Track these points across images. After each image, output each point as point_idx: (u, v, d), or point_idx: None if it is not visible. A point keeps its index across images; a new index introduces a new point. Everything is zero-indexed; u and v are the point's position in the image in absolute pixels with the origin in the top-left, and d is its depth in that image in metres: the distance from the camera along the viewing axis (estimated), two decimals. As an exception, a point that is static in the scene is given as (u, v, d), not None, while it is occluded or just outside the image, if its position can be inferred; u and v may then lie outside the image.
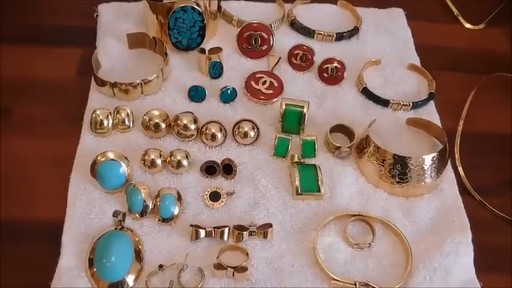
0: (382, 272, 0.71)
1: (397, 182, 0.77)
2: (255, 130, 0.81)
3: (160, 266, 0.69)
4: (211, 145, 0.81)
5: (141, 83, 0.83)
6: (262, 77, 0.88)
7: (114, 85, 0.83)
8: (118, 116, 0.81)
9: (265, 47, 0.90)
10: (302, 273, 0.70)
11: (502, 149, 0.84)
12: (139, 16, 0.92)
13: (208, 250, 0.71)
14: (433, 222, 0.75)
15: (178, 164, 0.77)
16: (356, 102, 0.87)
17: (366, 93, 0.88)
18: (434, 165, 0.77)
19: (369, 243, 0.73)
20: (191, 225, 0.72)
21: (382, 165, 0.77)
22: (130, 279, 0.69)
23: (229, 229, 0.72)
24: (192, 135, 0.81)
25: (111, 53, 0.88)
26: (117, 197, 0.75)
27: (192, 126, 0.80)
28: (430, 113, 0.86)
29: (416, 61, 0.93)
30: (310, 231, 0.73)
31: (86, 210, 0.73)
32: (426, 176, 0.76)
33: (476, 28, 0.99)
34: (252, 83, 0.87)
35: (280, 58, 0.90)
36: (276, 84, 0.88)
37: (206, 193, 0.76)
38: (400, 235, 0.73)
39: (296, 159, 0.79)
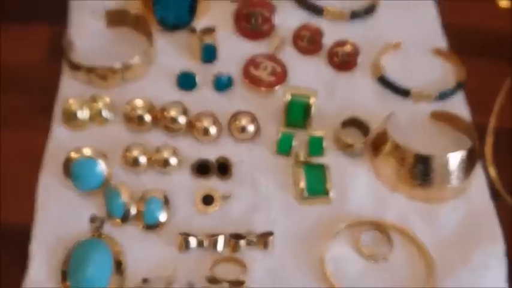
0: (400, 288, 0.74)
1: (419, 185, 0.79)
2: (255, 124, 0.83)
3: (145, 280, 0.71)
4: (204, 141, 0.83)
5: (121, 68, 0.85)
6: (263, 62, 0.90)
7: (90, 70, 0.84)
8: (95, 106, 0.82)
9: (266, 26, 0.92)
10: (308, 288, 0.73)
11: (541, 148, 0.86)
12: (119, -11, 0.93)
13: (200, 262, 0.73)
14: (459, 231, 0.78)
15: (166, 163, 0.79)
16: (372, 92, 0.89)
17: (384, 81, 0.90)
18: (461, 166, 0.79)
19: (385, 255, 0.75)
20: (180, 233, 0.74)
21: (402, 165, 0.79)
22: (109, 295, 0.71)
23: (224, 237, 0.74)
24: (182, 129, 0.83)
25: (87, 32, 0.90)
26: (94, 200, 0.77)
27: (182, 119, 0.82)
28: (458, 105, 0.88)
29: (443, 44, 0.95)
30: (318, 241, 0.75)
31: (58, 214, 0.75)
32: (452, 177, 0.79)
33: (513, 6, 1.00)
34: (251, 69, 0.89)
35: (284, 40, 0.92)
36: (278, 70, 0.90)
37: (198, 196, 0.78)
38: (421, 246, 0.76)
39: (301, 158, 0.81)
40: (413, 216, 0.79)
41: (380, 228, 0.77)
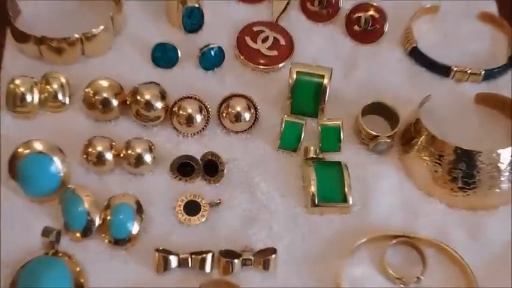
0: (435, 318, 0.75)
1: (460, 189, 0.79)
2: (252, 111, 0.83)
3: (113, 309, 0.72)
4: (187, 132, 0.83)
5: (81, 39, 0.85)
6: (263, 31, 0.90)
7: (41, 41, 0.84)
8: (48, 87, 0.83)
9: (267, -15, 0.93)
10: (319, 320, 0.74)
11: None
12: None
13: (183, 285, 0.74)
14: (510, 247, 0.78)
15: (138, 160, 0.79)
16: (401, 70, 0.90)
17: (417, 55, 0.90)
18: (515, 164, 0.80)
19: (418, 277, 0.76)
20: (157, 250, 0.74)
21: (439, 164, 0.79)
22: (68, 327, 0.72)
23: (213, 256, 0.74)
24: (158, 117, 0.83)
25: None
26: (48, 208, 0.77)
27: (158, 105, 0.82)
28: (510, 87, 0.89)
29: (492, 8, 0.95)
30: (332, 260, 0.76)
31: (3, 226, 0.76)
32: (503, 179, 0.79)
33: None
34: (248, 40, 0.89)
35: (289, 2, 0.92)
36: (282, 42, 0.90)
37: (179, 203, 0.79)
38: (463, 265, 0.76)
39: (312, 154, 0.82)
40: (453, 228, 0.79)
41: (411, 243, 0.77)
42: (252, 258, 0.74)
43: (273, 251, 0.75)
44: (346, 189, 0.79)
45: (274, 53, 0.89)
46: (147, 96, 0.82)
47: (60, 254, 0.74)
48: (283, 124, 0.82)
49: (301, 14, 0.93)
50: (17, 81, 0.82)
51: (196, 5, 0.88)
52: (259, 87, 0.87)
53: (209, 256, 0.74)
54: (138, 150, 0.79)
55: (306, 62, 0.86)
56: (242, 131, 0.84)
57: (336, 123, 0.83)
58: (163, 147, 0.82)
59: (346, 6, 0.92)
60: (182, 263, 0.74)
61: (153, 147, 0.81)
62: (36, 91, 0.82)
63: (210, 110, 0.83)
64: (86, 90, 0.82)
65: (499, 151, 0.78)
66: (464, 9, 0.95)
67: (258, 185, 0.81)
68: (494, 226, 0.80)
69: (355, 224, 0.79)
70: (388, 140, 0.82)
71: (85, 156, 0.80)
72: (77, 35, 0.84)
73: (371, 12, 0.91)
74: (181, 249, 0.75)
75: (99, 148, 0.79)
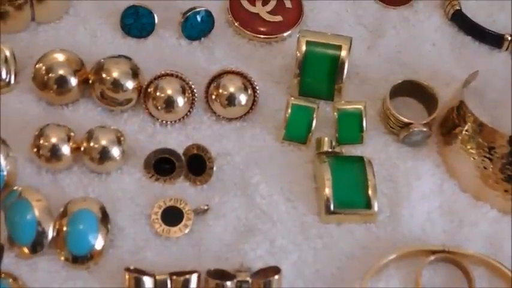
0: None
1: None
2: (249, 92, 0.83)
3: None
4: (166, 119, 0.83)
5: (30, 0, 0.85)
6: None
7: None
8: None
9: None
10: None
11: None
12: None
13: None
14: None
15: (103, 155, 0.79)
16: (441, 39, 0.90)
17: (461, 21, 0.90)
18: None
19: None
20: (128, 270, 0.73)
21: (489, 159, 0.79)
22: None
23: (198, 277, 0.74)
24: (130, 100, 0.83)
25: None
26: None
27: (129, 84, 0.82)
28: None
29: None
30: (352, 282, 0.75)
31: None
32: None
33: None
34: (243, 1, 0.89)
35: None
36: (288, 4, 0.90)
37: (156, 210, 0.78)
38: None
39: (326, 147, 0.81)
40: (507, 241, 0.79)
41: (454, 260, 0.77)
42: (250, 280, 0.74)
43: (276, 270, 0.74)
44: (370, 192, 0.78)
45: (278, 18, 0.89)
46: (115, 74, 0.82)
47: (3, 275, 0.74)
48: (290, 109, 0.82)
49: (312, -32, 0.93)
50: (-51, 55, 0.83)
51: (178, -45, 0.89)
52: (258, 61, 0.87)
53: (194, 277, 0.73)
54: (103, 143, 0.79)
55: (318, 30, 0.85)
56: (236, 118, 0.84)
57: (357, 107, 0.82)
58: (135, 139, 0.82)
59: (369, -43, 0.92)
60: (159, 285, 0.73)
61: (122, 138, 0.80)
62: (-29, 67, 0.83)
63: (195, 91, 0.83)
64: (37, 66, 0.82)
65: None
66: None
67: (257, 186, 0.80)
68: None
69: (382, 236, 0.78)
70: (425, 129, 0.82)
71: (35, 149, 0.79)
72: (24, -4, 0.85)
73: (401, -35, 0.92)
74: (158, 269, 0.74)
75: (53, 140, 0.79)
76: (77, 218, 0.75)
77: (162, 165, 0.80)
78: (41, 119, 0.81)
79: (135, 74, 0.82)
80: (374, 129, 0.83)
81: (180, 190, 0.80)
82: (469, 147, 0.80)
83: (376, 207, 0.78)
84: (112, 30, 0.88)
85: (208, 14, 0.87)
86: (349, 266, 0.76)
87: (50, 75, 0.81)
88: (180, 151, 0.80)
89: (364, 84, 0.86)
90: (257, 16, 0.89)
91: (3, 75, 0.83)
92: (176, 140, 0.82)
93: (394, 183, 0.81)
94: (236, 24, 0.88)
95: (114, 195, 0.79)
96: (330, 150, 0.81)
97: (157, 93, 0.81)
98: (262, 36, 0.88)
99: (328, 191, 0.78)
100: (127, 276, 0.73)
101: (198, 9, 0.86)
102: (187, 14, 0.86)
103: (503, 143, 0.78)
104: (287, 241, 0.77)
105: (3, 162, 0.77)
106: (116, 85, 0.81)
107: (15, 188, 0.77)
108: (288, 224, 0.78)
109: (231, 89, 0.82)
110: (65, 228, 0.75)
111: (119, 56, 0.83)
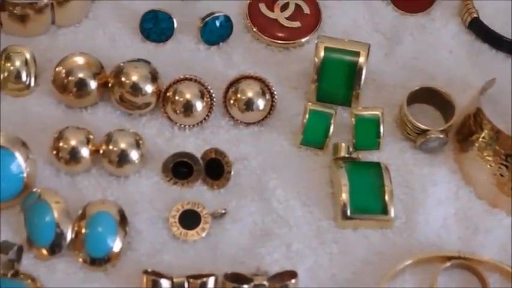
0: None
1: None
2: (267, 97, 0.83)
3: None
4: (184, 123, 0.83)
5: (51, 3, 0.85)
6: None
7: (1, 6, 0.85)
8: (8, 65, 0.83)
9: None
10: None
11: None
12: None
13: None
14: None
15: (122, 158, 0.79)
16: (458, 46, 0.89)
17: (478, 28, 0.90)
18: None
19: None
20: (145, 272, 0.74)
21: (506, 166, 0.79)
22: None
23: (216, 280, 0.74)
24: (148, 104, 0.83)
25: None
26: (6, 217, 0.77)
27: (148, 88, 0.82)
28: None
29: None
30: (368, 285, 0.76)
31: None
32: None
33: None
34: (262, 7, 0.90)
35: None
36: (307, 10, 0.90)
37: (174, 213, 0.78)
38: None
39: (343, 153, 0.81)
40: None
41: (470, 266, 0.77)
42: (266, 284, 0.74)
43: (293, 274, 0.74)
44: (386, 198, 0.79)
45: (296, 24, 0.89)
46: (134, 78, 0.82)
47: (22, 276, 0.74)
48: (307, 114, 0.82)
49: (330, -26, 0.93)
50: (-32, 57, 0.83)
51: (197, -39, 0.90)
52: (276, 67, 0.87)
53: (211, 280, 0.74)
54: (122, 146, 0.79)
55: (336, 36, 0.85)
56: (254, 123, 0.84)
57: (375, 113, 0.82)
58: (153, 142, 0.82)
59: (387, -34, 0.93)
60: (177, 288, 0.74)
61: (140, 141, 0.80)
62: (-7, 69, 0.83)
63: (213, 95, 0.83)
64: (57, 69, 0.83)
65: None
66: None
67: (274, 191, 0.80)
68: None
69: (397, 242, 0.79)
70: (441, 136, 0.82)
71: (55, 152, 0.79)
72: (45, -1, 0.86)
73: (419, -27, 0.92)
74: (175, 272, 0.74)
75: (73, 142, 0.79)
76: (95, 220, 0.76)
77: (180, 168, 0.80)
78: (60, 122, 0.81)
79: (154, 78, 0.82)
80: (391, 135, 0.84)
81: (198, 194, 0.80)
82: (485, 154, 0.80)
83: (392, 213, 0.78)
84: (131, 35, 0.88)
85: (227, 19, 0.87)
86: (364, 271, 0.77)
87: (70, 78, 0.82)
88: (198, 155, 0.80)
89: (381, 91, 0.86)
90: (275, 22, 0.89)
91: (24, 78, 0.83)
92: (194, 144, 0.82)
93: (410, 190, 0.81)
94: (254, 29, 0.89)
95: (132, 198, 0.79)
96: (346, 155, 0.81)
97: (176, 98, 0.82)
98: (280, 41, 0.89)
99: (345, 196, 0.78)
100: (145, 279, 0.73)
101: (216, 15, 0.87)
102: (206, 19, 0.87)
103: (520, 151, 0.79)
104: (303, 245, 0.78)
105: (23, 164, 0.78)
106: (135, 89, 0.82)
107: (34, 189, 0.77)
108: (304, 228, 0.79)
109: (249, 94, 0.82)
110: (83, 231, 0.76)
111: (138, 60, 0.83)
